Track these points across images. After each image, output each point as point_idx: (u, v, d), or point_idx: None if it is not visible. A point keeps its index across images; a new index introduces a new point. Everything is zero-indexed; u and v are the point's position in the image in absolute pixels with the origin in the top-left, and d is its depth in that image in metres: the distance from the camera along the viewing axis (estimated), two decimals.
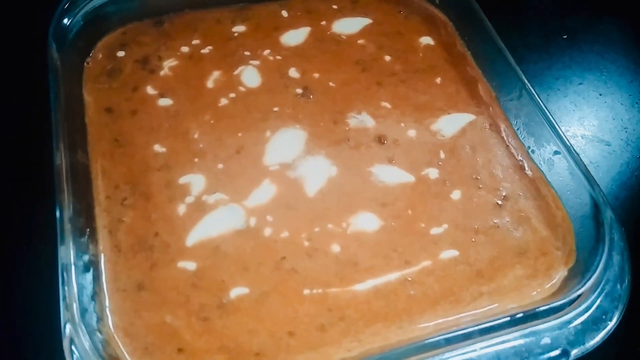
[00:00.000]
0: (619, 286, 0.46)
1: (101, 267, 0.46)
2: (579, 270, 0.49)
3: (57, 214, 0.44)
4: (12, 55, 0.65)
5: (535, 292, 0.49)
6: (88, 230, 0.48)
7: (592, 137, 0.67)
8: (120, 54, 0.62)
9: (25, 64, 0.63)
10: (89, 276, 0.45)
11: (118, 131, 0.55)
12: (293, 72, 0.62)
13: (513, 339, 0.43)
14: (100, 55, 0.61)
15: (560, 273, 0.51)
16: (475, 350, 0.42)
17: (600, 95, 0.72)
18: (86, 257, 0.45)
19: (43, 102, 0.52)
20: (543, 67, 0.74)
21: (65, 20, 0.59)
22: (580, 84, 0.73)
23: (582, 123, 0.69)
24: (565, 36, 0.77)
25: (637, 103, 0.71)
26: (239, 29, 0.66)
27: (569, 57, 0.76)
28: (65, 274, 0.42)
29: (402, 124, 0.59)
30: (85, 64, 0.60)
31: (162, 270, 0.47)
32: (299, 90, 0.61)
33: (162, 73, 0.60)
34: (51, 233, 0.44)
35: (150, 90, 0.59)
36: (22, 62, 0.64)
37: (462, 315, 0.47)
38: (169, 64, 0.61)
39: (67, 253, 0.42)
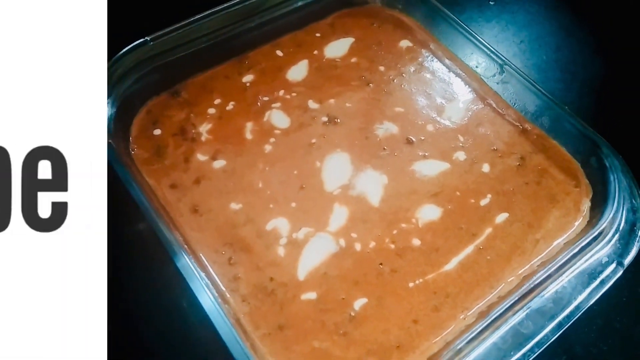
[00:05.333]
0: (634, 200, 0.60)
1: (243, 322, 0.53)
2: (600, 199, 0.62)
3: (206, 301, 0.50)
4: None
5: (573, 227, 0.62)
6: (218, 296, 0.53)
7: None
8: (157, 132, 0.66)
9: None
10: (240, 331, 0.51)
11: (192, 203, 0.61)
12: (312, 104, 0.70)
13: (580, 266, 0.55)
14: (141, 139, 0.65)
15: (586, 204, 0.63)
16: (559, 282, 0.54)
17: None
18: (231, 319, 0.51)
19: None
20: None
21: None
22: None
23: None
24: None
25: None
26: (248, 78, 0.72)
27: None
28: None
29: (420, 122, 0.69)
30: (131, 151, 0.64)
31: (291, 307, 0.54)
32: (325, 119, 0.69)
33: (203, 139, 0.66)
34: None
35: (200, 157, 0.64)
36: None
37: (533, 262, 0.58)
38: (205, 128, 0.67)
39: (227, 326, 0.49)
